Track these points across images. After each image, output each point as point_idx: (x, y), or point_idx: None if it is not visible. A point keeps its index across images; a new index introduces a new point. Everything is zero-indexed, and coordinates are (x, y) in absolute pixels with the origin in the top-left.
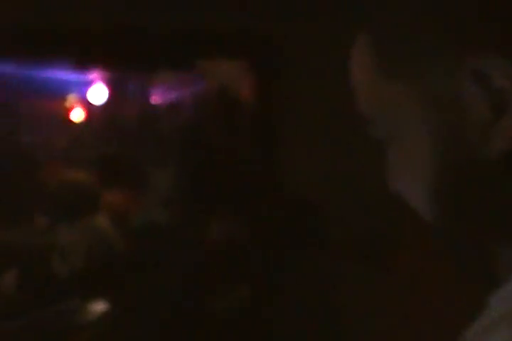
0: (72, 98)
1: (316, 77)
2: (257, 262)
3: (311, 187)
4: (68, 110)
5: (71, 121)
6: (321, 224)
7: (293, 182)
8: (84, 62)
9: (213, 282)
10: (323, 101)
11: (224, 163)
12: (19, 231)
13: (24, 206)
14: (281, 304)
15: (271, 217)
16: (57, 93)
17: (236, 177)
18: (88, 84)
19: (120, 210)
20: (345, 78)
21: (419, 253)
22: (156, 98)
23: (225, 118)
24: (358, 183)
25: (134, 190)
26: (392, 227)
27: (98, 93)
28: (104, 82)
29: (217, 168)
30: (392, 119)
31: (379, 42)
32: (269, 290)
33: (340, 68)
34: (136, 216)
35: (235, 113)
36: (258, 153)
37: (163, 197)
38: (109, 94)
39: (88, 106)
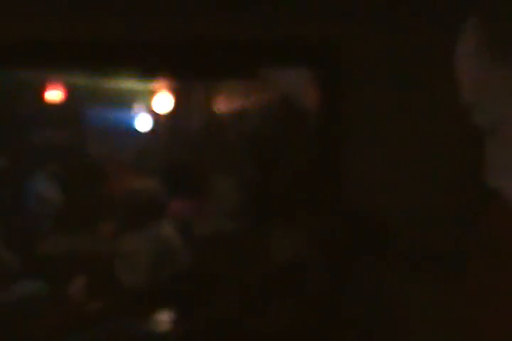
0: (139, 108)
1: (382, 85)
2: (321, 274)
3: (377, 197)
4: (135, 120)
5: (138, 131)
6: (388, 236)
7: (359, 192)
8: (150, 71)
9: (274, 296)
10: (390, 110)
11: (288, 173)
12: (87, 238)
13: (92, 214)
14: (347, 317)
15: (337, 228)
16: (125, 103)
17: (300, 187)
18: (154, 93)
19: (185, 219)
20: (412, 86)
21: (489, 263)
22: (220, 107)
23: (289, 127)
24: (426, 193)
25: (199, 199)
26: (461, 238)
27: (163, 102)
28: (169, 91)
29: (281, 177)
30: (496, 106)
31: (487, 26)
32: (334, 304)
33: (407, 76)
34: (201, 225)
35: (299, 121)
36: (323, 162)
37: (228, 206)
38: (174, 103)
39: (154, 115)
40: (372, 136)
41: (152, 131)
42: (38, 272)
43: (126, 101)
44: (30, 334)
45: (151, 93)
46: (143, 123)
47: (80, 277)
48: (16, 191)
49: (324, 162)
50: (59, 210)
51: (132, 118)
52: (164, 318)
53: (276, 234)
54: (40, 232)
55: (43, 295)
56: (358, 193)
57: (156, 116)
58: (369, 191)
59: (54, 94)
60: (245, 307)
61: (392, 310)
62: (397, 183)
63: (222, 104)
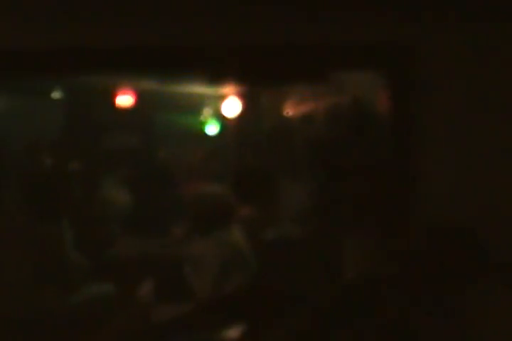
0: (207, 112)
1: (455, 88)
2: (400, 293)
3: (456, 203)
4: (204, 124)
5: (207, 135)
6: (479, 248)
7: (436, 199)
8: (219, 76)
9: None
10: (463, 112)
11: (360, 178)
12: (156, 241)
13: (161, 217)
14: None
15: (411, 237)
16: (193, 108)
17: (372, 193)
18: (223, 98)
19: (254, 224)
20: (484, 87)
21: None
22: (289, 111)
23: (360, 131)
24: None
25: (267, 204)
26: None
27: (232, 107)
28: (238, 95)
29: (352, 182)
30: None
31: None
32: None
33: (478, 76)
34: (270, 230)
35: (370, 125)
36: (396, 166)
37: (297, 211)
38: (243, 107)
39: (223, 120)
40: (446, 138)
41: (221, 135)
42: (107, 274)
43: (195, 105)
44: (98, 336)
45: (220, 97)
46: (212, 127)
47: (149, 280)
48: (88, 194)
49: (396, 166)
50: (129, 213)
51: (201, 123)
52: (234, 330)
53: (348, 244)
54: (110, 235)
55: (112, 297)
56: (437, 199)
57: (224, 120)
58: (445, 196)
59: (125, 99)
60: (318, 320)
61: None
62: (476, 188)
63: (291, 108)
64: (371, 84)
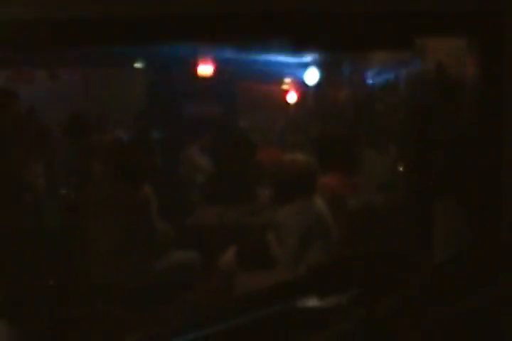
0: (288, 80)
1: None
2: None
3: None
4: (285, 93)
5: (288, 104)
6: None
7: None
8: (301, 44)
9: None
10: None
11: (445, 146)
12: (238, 210)
13: (243, 187)
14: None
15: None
16: (274, 76)
17: (458, 162)
18: (304, 66)
19: (336, 193)
20: None
21: None
22: (371, 78)
23: (445, 98)
24: None
25: (350, 173)
26: None
27: (314, 75)
28: (319, 63)
29: (437, 151)
30: None
31: None
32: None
33: None
34: (352, 199)
35: (455, 92)
36: (483, 134)
37: (381, 180)
38: (325, 75)
39: (304, 88)
40: None
41: (303, 104)
42: (189, 241)
43: (276, 74)
44: (181, 301)
45: (302, 66)
46: (293, 96)
47: (231, 247)
48: (172, 162)
49: (484, 133)
50: (211, 181)
51: (282, 91)
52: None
53: (435, 214)
54: (193, 203)
55: (195, 264)
56: None
57: (307, 89)
58: None
59: (206, 68)
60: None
61: None
62: None
63: (373, 76)
64: (457, 50)
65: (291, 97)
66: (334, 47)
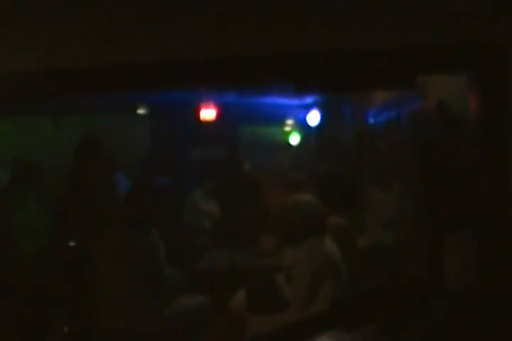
0: (290, 122)
1: None
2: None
3: None
4: (287, 134)
5: (290, 145)
6: None
7: None
8: (300, 87)
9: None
10: None
11: (451, 183)
12: (247, 252)
13: (251, 229)
14: None
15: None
16: (276, 118)
17: (465, 199)
18: (306, 108)
19: (345, 232)
20: None
21: None
22: (373, 117)
23: (447, 135)
24: None
25: (356, 211)
26: None
27: (315, 116)
28: (321, 104)
29: (442, 188)
30: None
31: None
32: None
33: None
34: (361, 238)
35: (458, 129)
36: (487, 171)
37: (387, 218)
38: (327, 116)
39: (307, 129)
40: None
41: (306, 145)
42: (198, 286)
43: (278, 116)
44: None
45: (304, 107)
46: (296, 137)
47: (241, 291)
48: (177, 207)
49: (488, 170)
50: (218, 225)
51: (285, 133)
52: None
53: (449, 251)
54: (200, 247)
55: (205, 308)
56: None
57: (308, 130)
58: None
59: (208, 113)
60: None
61: None
62: None
63: (375, 115)
64: (458, 87)
65: (294, 139)
66: (334, 88)
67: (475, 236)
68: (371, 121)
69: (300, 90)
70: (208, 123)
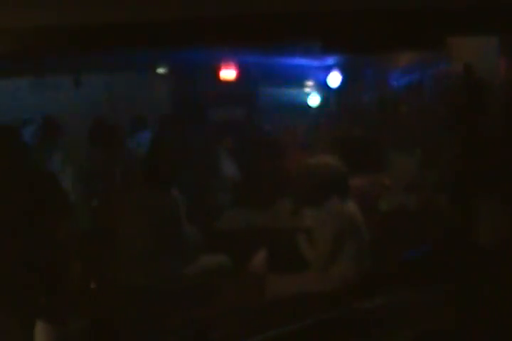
0: (310, 83)
1: None
2: None
3: None
4: (307, 95)
5: (310, 107)
6: None
7: None
8: (326, 47)
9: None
10: None
11: (475, 147)
12: (267, 213)
13: (270, 189)
14: None
15: None
16: (296, 79)
17: (492, 164)
18: (327, 69)
19: (366, 194)
20: None
21: None
22: (395, 79)
23: (472, 99)
24: None
25: (378, 174)
26: None
27: (336, 78)
28: (342, 66)
29: (467, 151)
30: None
31: None
32: None
33: None
34: (383, 200)
35: (483, 93)
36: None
37: (409, 181)
38: (348, 77)
39: (327, 91)
40: None
41: (325, 106)
42: (219, 245)
43: (298, 77)
44: (213, 306)
45: (324, 68)
46: (316, 99)
47: (261, 251)
48: (195, 164)
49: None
50: (237, 185)
51: (304, 94)
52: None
53: (477, 213)
54: (219, 206)
55: (226, 268)
56: None
57: (329, 91)
58: None
59: (228, 73)
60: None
61: None
62: None
63: (398, 77)
64: (487, 50)
65: (314, 100)
66: (362, 48)
67: (505, 202)
68: (394, 83)
69: (326, 50)
70: (228, 83)
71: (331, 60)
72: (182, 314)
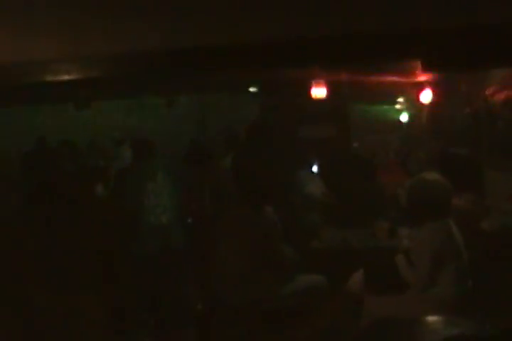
0: (401, 100)
1: None
2: None
3: None
4: (399, 112)
5: (401, 123)
6: None
7: None
8: (429, 64)
9: None
10: None
11: None
12: (362, 232)
13: (365, 209)
14: None
15: None
16: (387, 96)
17: None
18: (418, 85)
19: (467, 215)
20: None
21: None
22: (491, 95)
23: None
24: None
25: (479, 193)
26: None
27: (428, 93)
28: (433, 82)
29: None
30: None
31: None
32: None
33: None
34: (485, 219)
35: None
36: None
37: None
38: (440, 93)
39: (419, 107)
40: None
41: (420, 123)
42: (315, 265)
43: (389, 94)
44: (309, 326)
45: (416, 85)
46: (407, 115)
47: (359, 271)
48: (289, 185)
49: None
50: (328, 205)
51: (396, 111)
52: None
53: None
54: (313, 226)
55: (323, 288)
56: None
57: (421, 107)
58: None
59: (319, 91)
60: None
61: None
62: None
63: (494, 92)
64: None
65: (405, 117)
66: (460, 65)
67: None
68: (489, 99)
69: (427, 68)
70: (318, 101)
71: (422, 77)
72: (278, 334)
